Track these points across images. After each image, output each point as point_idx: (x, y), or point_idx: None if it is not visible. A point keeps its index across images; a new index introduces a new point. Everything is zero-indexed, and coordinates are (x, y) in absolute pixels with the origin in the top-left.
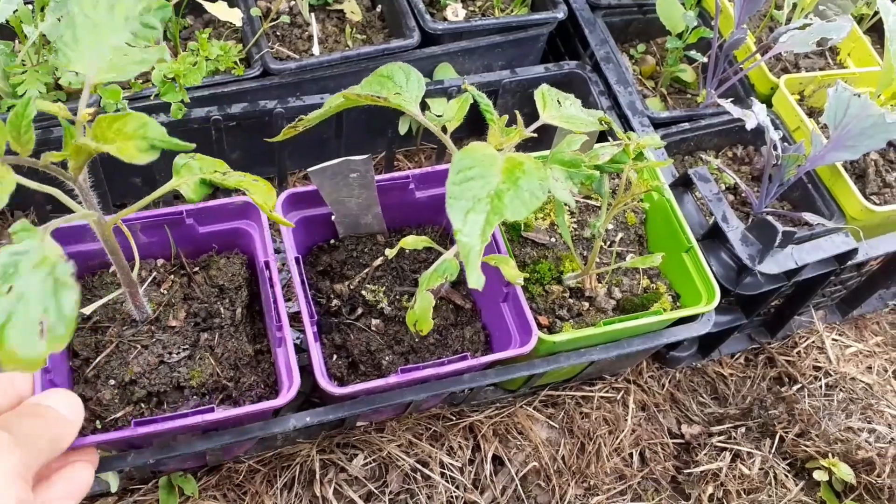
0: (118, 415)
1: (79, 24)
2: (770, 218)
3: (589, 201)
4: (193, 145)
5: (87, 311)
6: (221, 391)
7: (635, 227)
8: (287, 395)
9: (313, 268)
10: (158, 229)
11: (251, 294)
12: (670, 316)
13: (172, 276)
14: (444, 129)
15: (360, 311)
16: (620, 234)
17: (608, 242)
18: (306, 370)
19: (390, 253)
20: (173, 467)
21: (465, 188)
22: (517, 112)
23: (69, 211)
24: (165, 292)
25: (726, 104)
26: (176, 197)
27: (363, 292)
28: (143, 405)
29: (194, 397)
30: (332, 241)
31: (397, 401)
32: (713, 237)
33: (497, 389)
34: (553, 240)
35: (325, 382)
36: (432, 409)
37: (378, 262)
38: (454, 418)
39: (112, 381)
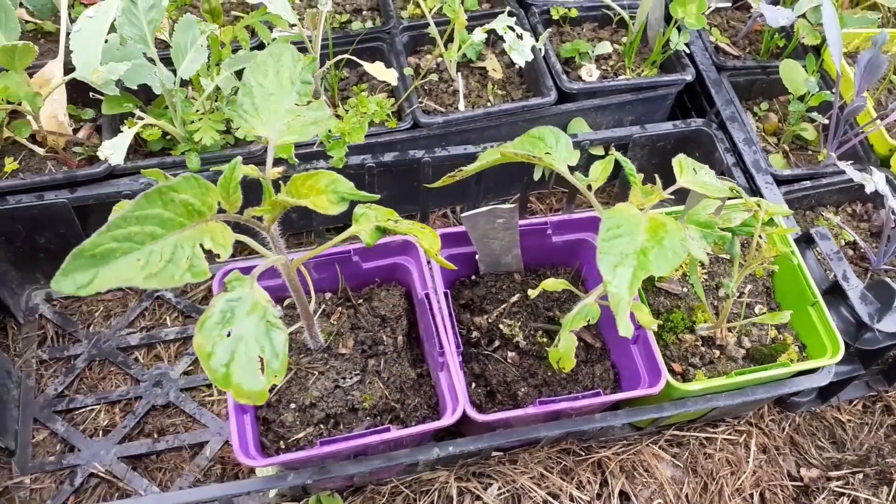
0: (299, 436)
1: (256, 94)
2: (888, 279)
3: (718, 255)
4: (377, 196)
5: None
6: (390, 412)
7: (763, 279)
8: (453, 416)
9: (456, 301)
10: (328, 266)
11: (409, 322)
12: (798, 367)
13: (340, 308)
14: (588, 188)
15: (497, 343)
16: (749, 286)
17: (738, 293)
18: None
19: (533, 293)
20: (321, 487)
21: (614, 244)
22: (647, 164)
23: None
24: (335, 323)
25: (848, 168)
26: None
27: (500, 326)
28: (321, 426)
29: (367, 418)
30: (473, 277)
31: (533, 436)
32: (834, 293)
33: (625, 426)
34: (685, 290)
35: (470, 410)
36: (562, 443)
37: (515, 298)
38: (583, 453)
39: (293, 405)
